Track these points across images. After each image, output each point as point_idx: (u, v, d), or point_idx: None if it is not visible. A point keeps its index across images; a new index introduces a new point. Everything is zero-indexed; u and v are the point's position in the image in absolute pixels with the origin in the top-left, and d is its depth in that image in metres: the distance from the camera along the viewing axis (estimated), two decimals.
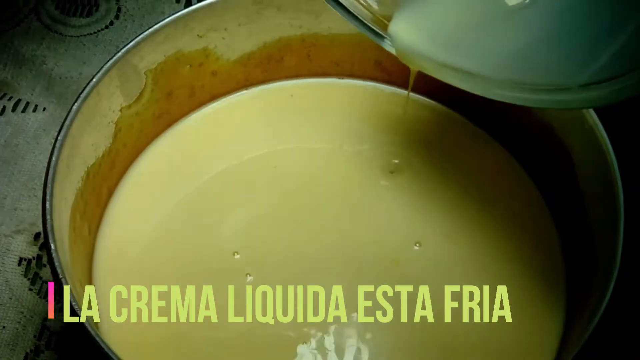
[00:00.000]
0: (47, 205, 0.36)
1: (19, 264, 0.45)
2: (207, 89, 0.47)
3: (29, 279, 0.44)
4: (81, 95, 0.39)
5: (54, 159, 0.37)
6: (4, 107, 0.51)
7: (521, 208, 0.45)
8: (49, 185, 0.37)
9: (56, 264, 0.34)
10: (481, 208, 0.44)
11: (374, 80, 0.50)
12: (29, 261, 0.45)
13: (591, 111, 0.40)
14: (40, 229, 0.45)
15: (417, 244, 0.43)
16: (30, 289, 0.44)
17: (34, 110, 0.51)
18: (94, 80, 0.40)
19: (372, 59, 0.49)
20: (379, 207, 0.45)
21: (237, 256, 0.42)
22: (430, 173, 0.46)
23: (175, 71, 0.45)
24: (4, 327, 0.43)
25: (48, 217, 0.36)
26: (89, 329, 0.33)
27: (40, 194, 0.45)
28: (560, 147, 0.43)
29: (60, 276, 0.34)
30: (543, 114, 0.44)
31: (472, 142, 0.47)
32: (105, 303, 0.40)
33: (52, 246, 0.35)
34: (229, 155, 0.46)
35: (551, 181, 0.45)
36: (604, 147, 0.40)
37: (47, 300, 0.43)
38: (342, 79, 0.50)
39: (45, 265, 0.45)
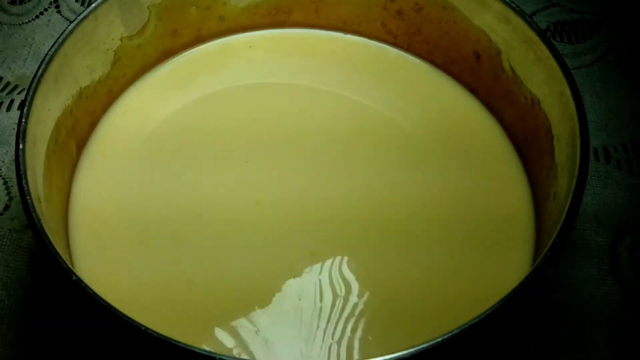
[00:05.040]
0: (25, 110, 0.39)
1: (30, 261, 0.44)
2: (213, 33, 0.49)
3: (41, 276, 0.44)
4: (78, 18, 0.42)
5: (40, 70, 0.40)
6: (22, 101, 0.49)
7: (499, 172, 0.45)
8: (30, 93, 0.39)
9: (20, 160, 0.37)
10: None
11: (380, 41, 0.50)
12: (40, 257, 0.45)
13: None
14: None
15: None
16: (43, 287, 0.44)
17: None
18: (93, 5, 0.43)
19: (378, 20, 0.49)
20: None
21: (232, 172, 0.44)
22: (420, 135, 0.47)
23: (180, 10, 0.47)
24: (19, 326, 0.42)
25: (23, 120, 0.38)
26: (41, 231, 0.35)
27: None
28: (543, 120, 0.43)
29: (22, 172, 0.37)
30: (530, 85, 0.44)
31: (461, 106, 0.48)
32: (81, 212, 0.43)
33: (21, 146, 0.37)
34: (226, 80, 0.48)
35: (534, 153, 0.44)
36: (575, 119, 0.39)
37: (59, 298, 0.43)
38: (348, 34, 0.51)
39: None
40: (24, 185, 0.36)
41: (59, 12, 0.56)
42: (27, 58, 0.54)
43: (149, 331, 0.33)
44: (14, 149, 0.47)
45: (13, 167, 0.48)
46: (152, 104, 0.47)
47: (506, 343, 0.42)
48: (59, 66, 0.41)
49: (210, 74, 0.48)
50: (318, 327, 0.39)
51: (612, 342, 0.43)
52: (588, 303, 0.44)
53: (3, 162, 0.48)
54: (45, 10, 0.56)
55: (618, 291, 0.45)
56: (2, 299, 0.43)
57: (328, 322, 0.39)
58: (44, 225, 0.36)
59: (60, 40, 0.41)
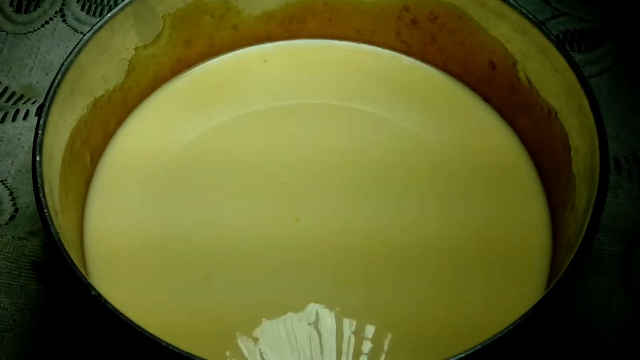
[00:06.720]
0: (41, 121, 0.38)
1: (33, 268, 0.44)
2: (227, 41, 0.49)
3: (44, 284, 0.43)
4: (94, 27, 0.42)
5: (56, 81, 0.40)
6: (28, 111, 0.50)
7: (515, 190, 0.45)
8: (47, 103, 0.39)
9: (38, 173, 0.37)
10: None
11: (394, 50, 0.50)
12: (44, 265, 0.44)
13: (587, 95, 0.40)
14: None
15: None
16: (47, 295, 0.43)
17: None
18: (109, 15, 0.42)
19: (392, 29, 0.49)
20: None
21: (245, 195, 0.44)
22: (435, 143, 0.47)
23: (194, 19, 0.47)
24: (21, 335, 0.42)
25: (40, 131, 0.38)
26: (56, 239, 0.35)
27: None
28: (560, 131, 0.43)
29: (39, 185, 0.36)
30: (547, 96, 0.44)
31: (476, 116, 0.48)
32: (96, 223, 0.43)
33: (38, 158, 0.37)
34: (243, 102, 0.48)
35: (550, 164, 0.44)
36: (594, 131, 0.39)
37: (65, 307, 0.43)
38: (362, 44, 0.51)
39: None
40: (42, 198, 0.36)
41: (64, 21, 0.55)
42: (32, 68, 0.53)
43: (170, 347, 0.32)
44: (20, 159, 0.48)
45: (19, 177, 0.47)
46: (167, 122, 0.47)
47: (518, 354, 0.42)
48: (74, 76, 0.41)
49: (225, 93, 0.48)
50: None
51: (622, 354, 0.43)
52: (600, 313, 0.44)
53: (9, 172, 0.48)
54: (51, 19, 0.55)
55: (630, 302, 0.45)
56: (5, 307, 0.43)
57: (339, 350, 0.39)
58: (62, 238, 0.35)
59: (76, 50, 0.41)
